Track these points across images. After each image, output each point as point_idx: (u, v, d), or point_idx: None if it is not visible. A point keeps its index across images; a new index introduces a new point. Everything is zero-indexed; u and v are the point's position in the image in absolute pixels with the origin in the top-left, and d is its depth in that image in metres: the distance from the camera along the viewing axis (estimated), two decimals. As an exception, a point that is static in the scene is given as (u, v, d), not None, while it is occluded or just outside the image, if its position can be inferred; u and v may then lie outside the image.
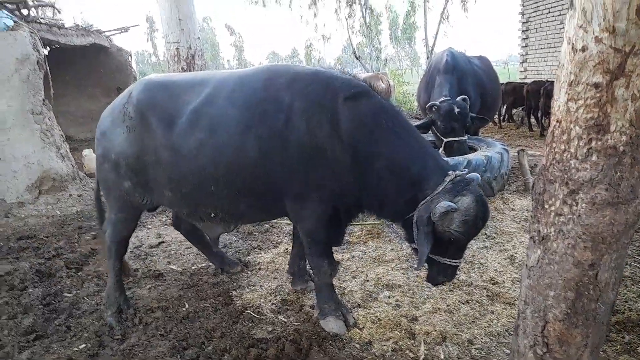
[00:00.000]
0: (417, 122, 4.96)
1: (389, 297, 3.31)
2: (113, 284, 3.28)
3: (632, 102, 1.55)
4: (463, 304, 3.17)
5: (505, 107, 12.07)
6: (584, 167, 1.66)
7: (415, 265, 2.76)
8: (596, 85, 1.59)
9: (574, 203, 1.70)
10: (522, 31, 14.85)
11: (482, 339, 2.77)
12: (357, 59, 19.68)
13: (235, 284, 3.69)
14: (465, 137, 5.03)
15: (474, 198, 2.45)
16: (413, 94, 15.27)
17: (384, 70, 18.91)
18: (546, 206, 1.81)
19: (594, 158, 1.63)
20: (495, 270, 3.62)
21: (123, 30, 12.64)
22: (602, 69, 1.56)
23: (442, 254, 2.59)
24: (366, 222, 4.65)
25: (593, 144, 1.63)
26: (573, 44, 1.64)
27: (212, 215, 3.00)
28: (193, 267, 4.06)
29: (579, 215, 1.69)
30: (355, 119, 2.64)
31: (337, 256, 3.99)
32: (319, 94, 2.69)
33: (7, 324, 3.16)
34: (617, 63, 1.53)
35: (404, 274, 3.65)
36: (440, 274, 2.70)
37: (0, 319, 3.24)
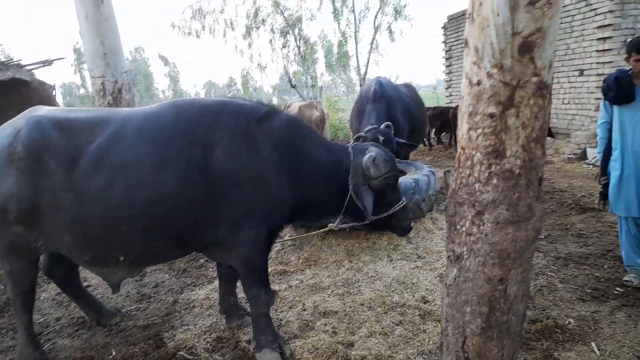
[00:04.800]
0: None
1: (325, 324, 3.32)
2: (25, 339, 2.99)
3: (522, 129, 1.72)
4: (397, 325, 3.24)
5: (434, 130, 12.75)
6: (486, 190, 1.79)
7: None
8: (491, 115, 1.74)
9: (481, 223, 1.83)
10: (446, 59, 15.88)
11: (414, 358, 2.84)
12: (292, 87, 20.04)
13: (167, 324, 3.53)
14: (394, 161, 5.24)
15: (373, 145, 3.19)
16: (348, 121, 15.71)
17: (320, 98, 19.38)
18: (458, 227, 1.93)
19: (494, 181, 1.77)
20: (427, 289, 3.75)
21: (46, 64, 12.03)
22: (495, 101, 1.72)
23: (391, 204, 3.14)
24: (313, 233, 4.64)
25: (493, 168, 1.77)
26: (470, 78, 1.80)
27: (122, 258, 2.80)
28: (123, 311, 3.84)
29: (486, 234, 1.82)
30: (273, 136, 2.85)
31: (274, 287, 3.95)
32: (232, 122, 2.80)
33: None
34: (507, 95, 1.70)
35: (340, 299, 3.68)
36: (401, 220, 3.26)
37: None
